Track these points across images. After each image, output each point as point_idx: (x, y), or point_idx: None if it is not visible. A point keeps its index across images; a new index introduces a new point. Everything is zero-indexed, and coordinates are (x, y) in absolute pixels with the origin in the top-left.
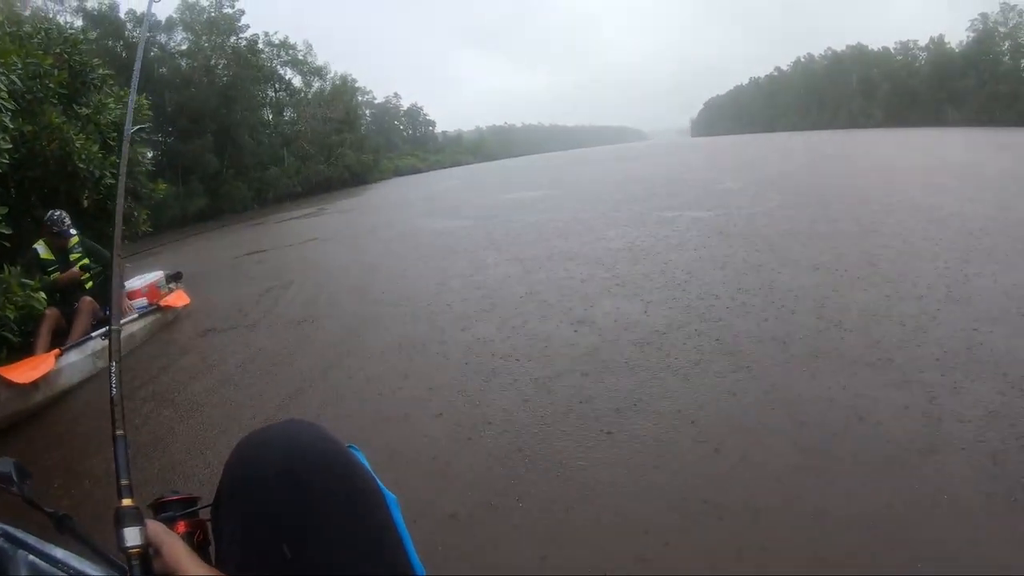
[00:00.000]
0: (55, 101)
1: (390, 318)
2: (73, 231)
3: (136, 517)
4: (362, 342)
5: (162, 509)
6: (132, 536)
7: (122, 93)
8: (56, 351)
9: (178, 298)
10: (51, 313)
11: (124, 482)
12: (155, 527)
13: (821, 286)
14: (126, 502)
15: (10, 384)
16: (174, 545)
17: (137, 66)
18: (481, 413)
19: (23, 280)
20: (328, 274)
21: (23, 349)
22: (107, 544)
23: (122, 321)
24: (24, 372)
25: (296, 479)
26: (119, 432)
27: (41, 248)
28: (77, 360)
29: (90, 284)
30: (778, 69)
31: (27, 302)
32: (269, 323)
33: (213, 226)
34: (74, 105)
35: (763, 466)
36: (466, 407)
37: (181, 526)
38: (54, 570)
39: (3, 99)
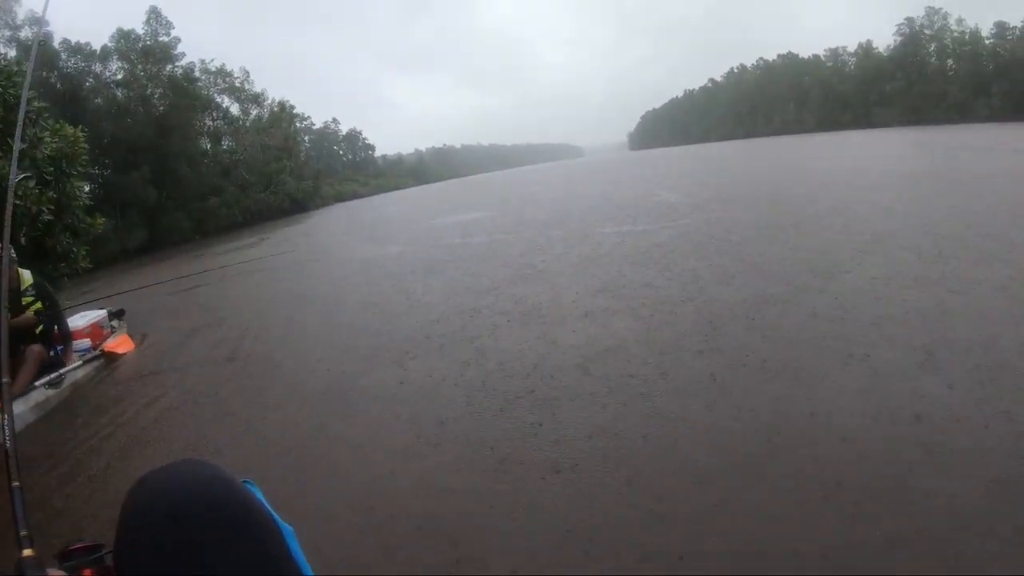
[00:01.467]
0: None
1: (318, 356)
2: (24, 270)
3: (37, 567)
4: (286, 381)
5: (67, 558)
6: None
7: (57, 126)
8: None
9: (122, 343)
10: None
11: (23, 533)
12: None
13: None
14: (27, 552)
15: None
16: None
17: (26, 86)
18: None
19: None
20: (260, 308)
21: None
22: None
23: (64, 370)
24: None
25: (189, 519)
26: (15, 483)
27: None
28: (20, 413)
29: (40, 329)
30: (712, 81)
31: None
32: (199, 362)
33: (152, 259)
34: (8, 139)
35: None
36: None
37: (86, 574)
38: None
39: None
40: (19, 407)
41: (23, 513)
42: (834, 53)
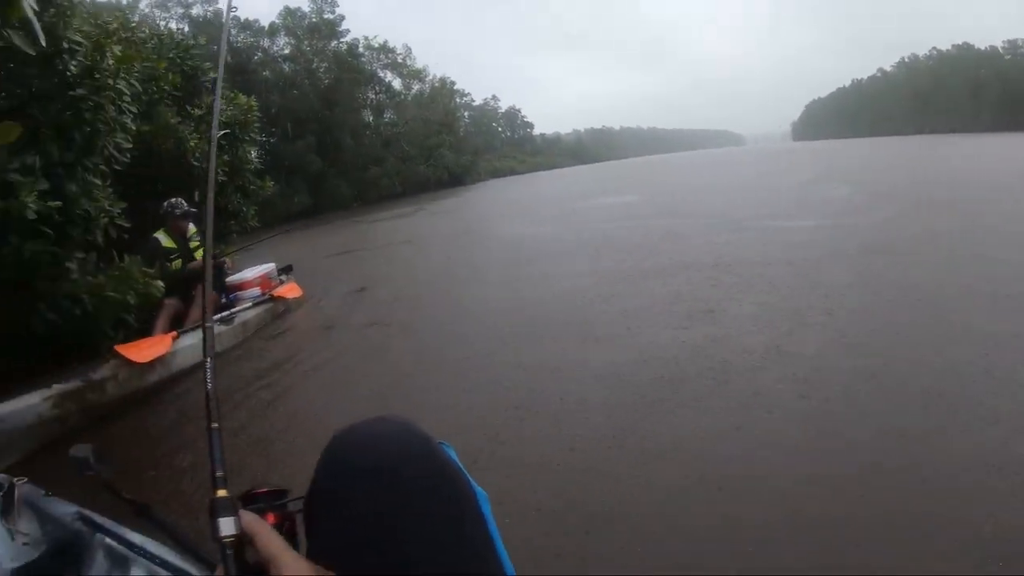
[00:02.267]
0: (169, 103)
1: (484, 326)
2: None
3: (230, 507)
4: (453, 348)
5: (251, 501)
6: (226, 526)
7: (232, 95)
8: (173, 334)
9: (290, 290)
10: (169, 301)
11: (219, 473)
12: (249, 517)
13: None
14: (220, 493)
15: (129, 363)
16: (268, 535)
17: (220, 66)
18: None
19: (143, 268)
20: (413, 277)
21: (142, 334)
22: (184, 531)
23: (235, 309)
24: (141, 352)
25: (389, 475)
26: (214, 425)
27: (162, 237)
28: (192, 343)
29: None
30: (881, 70)
31: (146, 289)
32: (363, 322)
33: (314, 223)
34: (187, 107)
35: None
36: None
37: (270, 518)
38: (130, 553)
39: (127, 103)
40: (190, 339)
41: (220, 454)
42: (1013, 45)
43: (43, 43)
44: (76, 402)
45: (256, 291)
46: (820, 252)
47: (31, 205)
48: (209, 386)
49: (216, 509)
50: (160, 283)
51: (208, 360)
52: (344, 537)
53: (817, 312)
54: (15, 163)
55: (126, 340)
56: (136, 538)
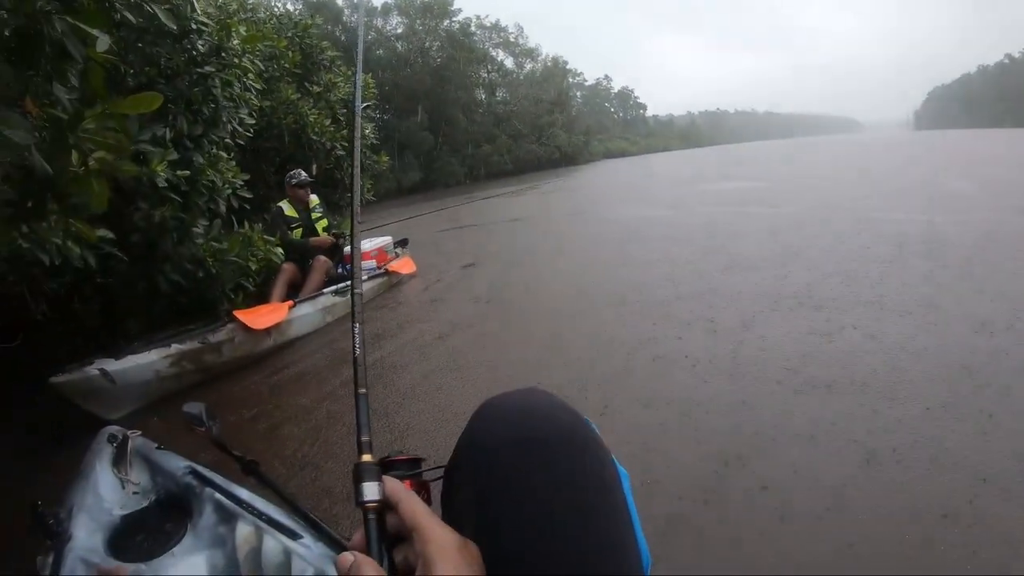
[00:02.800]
0: (289, 80)
1: (576, 308)
2: (313, 194)
3: (375, 473)
4: (567, 327)
5: (388, 468)
6: (370, 491)
7: (348, 72)
8: (290, 302)
9: (405, 265)
10: (288, 268)
11: (364, 438)
12: (393, 484)
13: None
14: (365, 457)
15: (246, 329)
16: (413, 503)
17: (360, 46)
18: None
19: (265, 236)
20: (530, 255)
21: (260, 298)
22: (289, 489)
23: (348, 283)
24: (260, 319)
25: (536, 447)
26: (361, 390)
27: (284, 206)
28: (308, 313)
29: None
30: (1009, 57)
31: (267, 255)
32: (474, 297)
33: (425, 198)
34: (306, 84)
35: None
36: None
37: (406, 485)
38: (237, 508)
39: (251, 80)
40: (306, 308)
41: (367, 419)
42: None
43: (180, 21)
44: (193, 362)
45: (372, 264)
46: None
47: (161, 174)
48: (357, 351)
49: (360, 474)
50: (280, 250)
51: (356, 325)
52: (485, 509)
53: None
54: (147, 135)
55: (245, 304)
56: (243, 494)
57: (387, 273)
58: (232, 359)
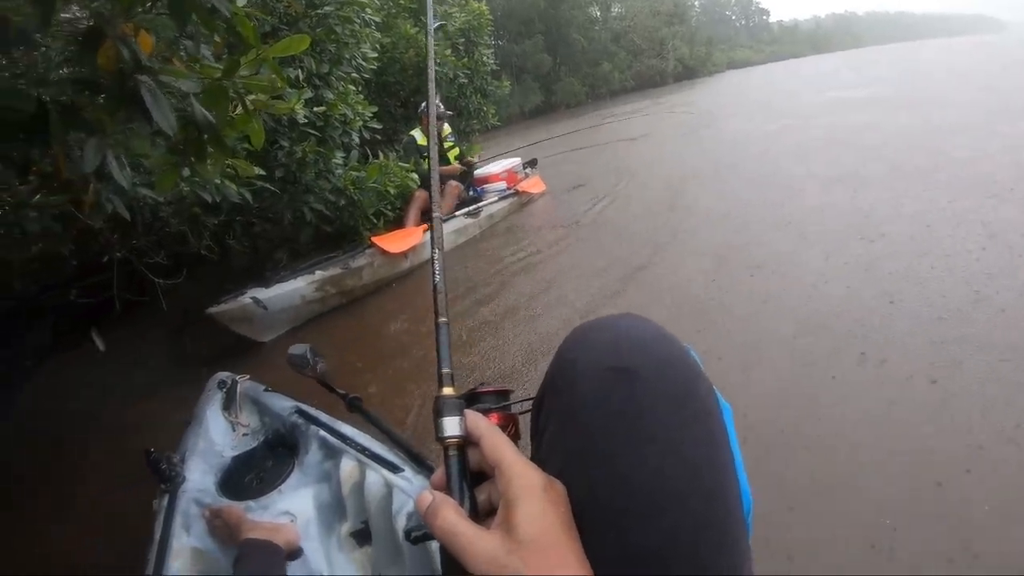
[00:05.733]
0: (406, 15)
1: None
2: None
3: (456, 407)
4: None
5: (474, 400)
6: (451, 426)
7: (464, 2)
8: (424, 226)
9: (534, 184)
10: (420, 194)
11: (445, 371)
12: (475, 418)
13: None
14: (446, 391)
15: (384, 253)
16: (496, 438)
17: None
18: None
19: (399, 163)
20: (656, 173)
21: (396, 224)
22: (393, 425)
23: (481, 204)
24: (396, 243)
25: (634, 377)
26: (442, 319)
27: (417, 135)
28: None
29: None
30: None
31: (404, 181)
32: (602, 221)
33: (547, 120)
34: (421, 17)
35: None
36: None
37: (493, 419)
38: (342, 445)
39: (370, 15)
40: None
41: (448, 351)
42: None
43: None
44: (335, 286)
45: (502, 185)
46: None
47: (300, 111)
48: (437, 279)
49: (440, 408)
50: (415, 176)
51: (436, 253)
52: (576, 443)
53: None
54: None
55: (385, 230)
56: (347, 430)
57: (517, 193)
58: (372, 282)
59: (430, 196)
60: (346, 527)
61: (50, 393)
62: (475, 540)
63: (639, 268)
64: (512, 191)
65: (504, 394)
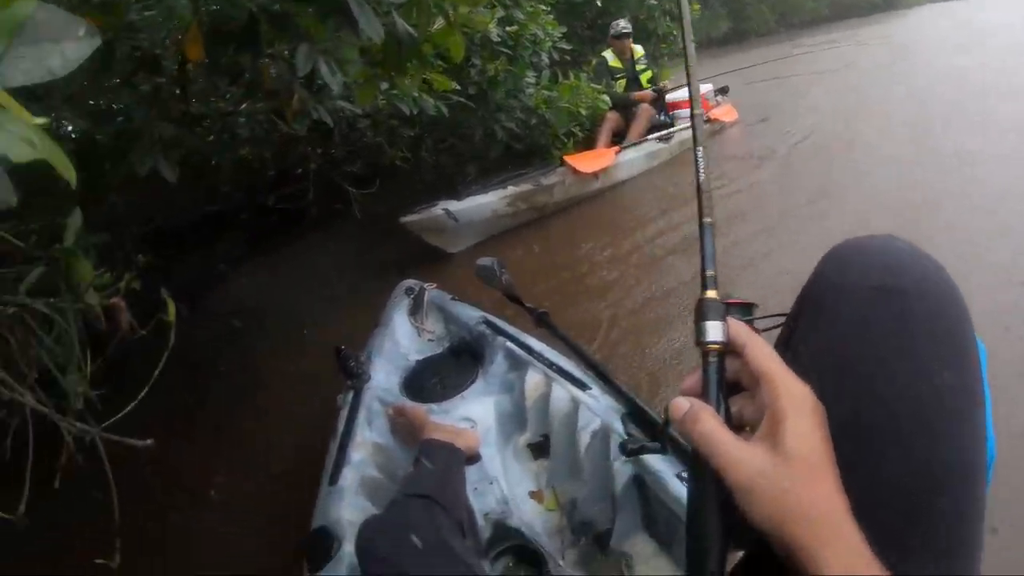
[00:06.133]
0: None
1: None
2: (636, 45)
3: (720, 311)
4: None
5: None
6: (714, 331)
7: None
8: (616, 148)
9: (726, 112)
10: (612, 116)
11: (709, 272)
12: (739, 326)
13: None
14: (710, 294)
15: (576, 172)
16: (764, 347)
17: None
18: None
19: (591, 84)
20: (858, 106)
21: (587, 145)
22: (579, 341)
23: (673, 129)
24: (588, 163)
25: (899, 299)
26: (706, 220)
27: (609, 56)
28: (633, 158)
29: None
30: None
31: (595, 102)
32: (797, 150)
33: (735, 48)
34: None
35: None
36: None
37: None
38: (528, 357)
39: None
40: (631, 154)
41: (712, 251)
42: None
43: None
44: (526, 202)
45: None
46: None
47: (493, 30)
48: (701, 177)
49: (704, 311)
50: (606, 98)
51: (699, 149)
52: (837, 362)
53: None
54: None
55: (574, 150)
56: (534, 343)
57: (709, 120)
58: (563, 200)
59: (622, 118)
60: (524, 438)
61: (244, 295)
62: (739, 451)
63: (843, 208)
64: (705, 117)
65: (748, 307)
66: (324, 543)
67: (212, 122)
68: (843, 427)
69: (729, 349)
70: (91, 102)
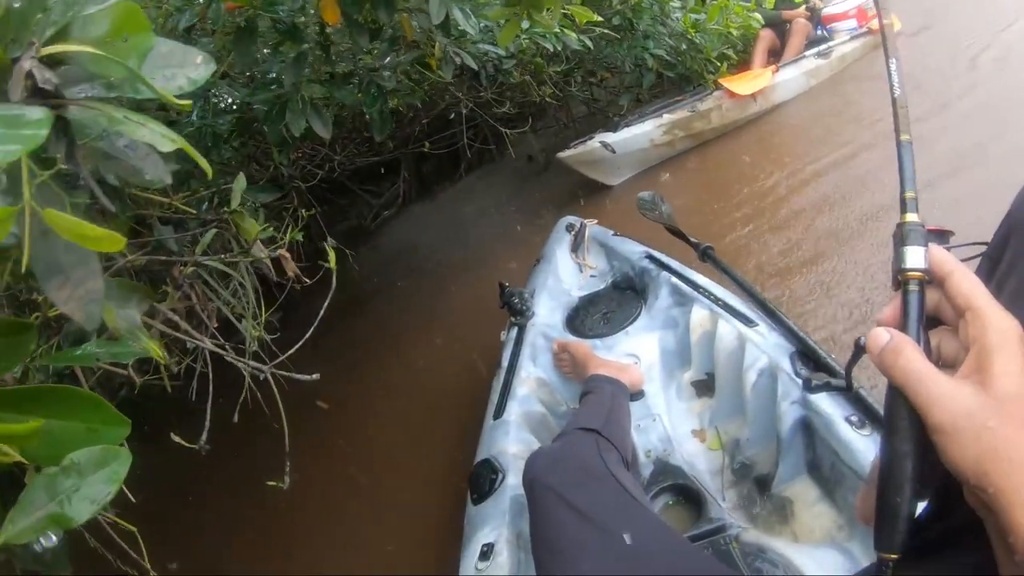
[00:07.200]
0: None
1: None
2: None
3: (922, 236)
4: None
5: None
6: (915, 257)
7: None
8: (773, 67)
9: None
10: (766, 34)
11: (909, 194)
12: (941, 253)
13: None
14: (910, 217)
15: (732, 95)
16: (969, 277)
17: None
18: None
19: (741, 3)
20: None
21: (742, 67)
22: (745, 277)
23: (832, 43)
24: (744, 85)
25: None
26: (904, 137)
27: None
28: (792, 77)
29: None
30: None
31: (745, 22)
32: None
33: None
34: None
35: None
36: None
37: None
38: (693, 292)
39: None
40: (790, 73)
41: (912, 172)
42: None
43: None
44: (684, 129)
45: (852, 23)
46: None
47: None
48: (897, 92)
49: (904, 236)
50: (758, 16)
51: (892, 61)
52: None
53: None
54: None
55: (729, 73)
56: (699, 279)
57: (870, 31)
58: (721, 125)
59: (777, 35)
60: (688, 375)
61: (406, 238)
62: (945, 388)
63: None
64: (864, 29)
65: (945, 235)
66: (489, 475)
67: (360, 78)
68: None
69: (930, 278)
70: (246, 73)
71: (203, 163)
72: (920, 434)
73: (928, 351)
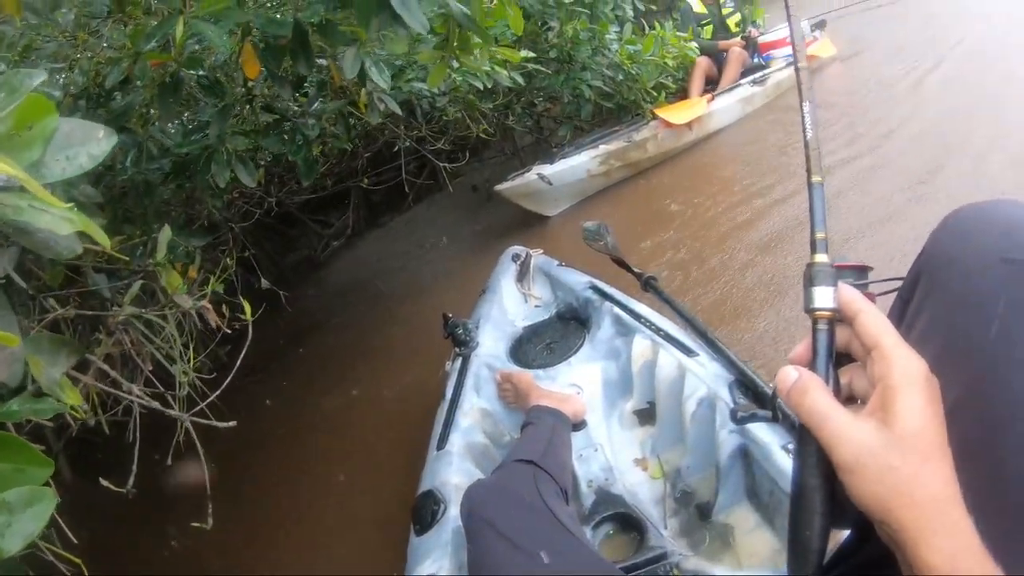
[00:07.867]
0: None
1: None
2: None
3: (830, 276)
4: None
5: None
6: (823, 297)
7: None
8: (708, 96)
9: (823, 48)
10: (703, 62)
11: (819, 235)
12: (850, 292)
13: None
14: (819, 258)
15: (668, 125)
16: (875, 316)
17: None
18: None
19: (677, 33)
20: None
21: (679, 94)
22: (686, 306)
23: (768, 71)
24: (680, 114)
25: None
26: (815, 179)
27: (694, 2)
28: (727, 105)
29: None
30: None
31: (682, 52)
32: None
33: None
34: None
35: None
36: None
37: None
38: (635, 323)
39: None
40: (725, 101)
41: (823, 213)
42: None
43: None
44: (620, 159)
45: (789, 50)
46: None
47: None
48: (808, 134)
49: (812, 276)
50: (694, 45)
51: (806, 104)
52: (957, 338)
53: None
54: None
55: (666, 102)
56: (642, 309)
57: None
58: (658, 154)
59: (713, 63)
60: (630, 404)
61: (355, 266)
62: (848, 427)
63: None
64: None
65: (863, 271)
66: (431, 506)
67: (288, 125)
68: (959, 409)
69: (840, 317)
70: (171, 124)
71: (102, 238)
72: (828, 470)
73: (837, 388)
